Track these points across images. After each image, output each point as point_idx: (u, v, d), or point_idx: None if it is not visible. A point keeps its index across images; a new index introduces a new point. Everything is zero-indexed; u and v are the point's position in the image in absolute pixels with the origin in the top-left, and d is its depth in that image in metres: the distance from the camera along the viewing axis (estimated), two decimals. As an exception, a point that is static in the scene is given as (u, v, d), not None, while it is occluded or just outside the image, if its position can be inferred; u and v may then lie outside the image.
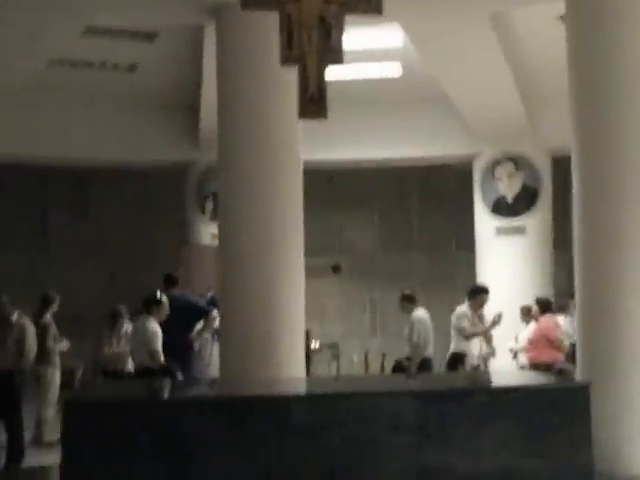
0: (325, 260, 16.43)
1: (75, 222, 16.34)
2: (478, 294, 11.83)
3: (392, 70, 13.90)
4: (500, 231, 14.78)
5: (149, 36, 12.65)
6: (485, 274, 14.65)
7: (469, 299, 11.79)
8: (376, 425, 5.65)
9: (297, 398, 6.24)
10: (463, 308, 11.72)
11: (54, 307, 11.31)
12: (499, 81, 12.68)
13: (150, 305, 9.81)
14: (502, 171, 14.87)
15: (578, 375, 7.54)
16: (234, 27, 10.08)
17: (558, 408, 5.87)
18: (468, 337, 11.41)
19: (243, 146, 9.95)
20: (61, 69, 13.43)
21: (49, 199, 16.41)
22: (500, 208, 14.85)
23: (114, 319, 11.71)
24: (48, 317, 11.18)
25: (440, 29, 11.22)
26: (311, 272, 16.52)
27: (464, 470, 5.80)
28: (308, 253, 16.67)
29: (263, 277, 9.79)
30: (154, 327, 9.66)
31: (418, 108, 14.74)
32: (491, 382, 7.61)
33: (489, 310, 14.16)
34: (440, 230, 16.58)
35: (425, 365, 11.37)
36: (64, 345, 11.31)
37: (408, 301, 11.96)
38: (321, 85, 6.97)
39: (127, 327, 11.42)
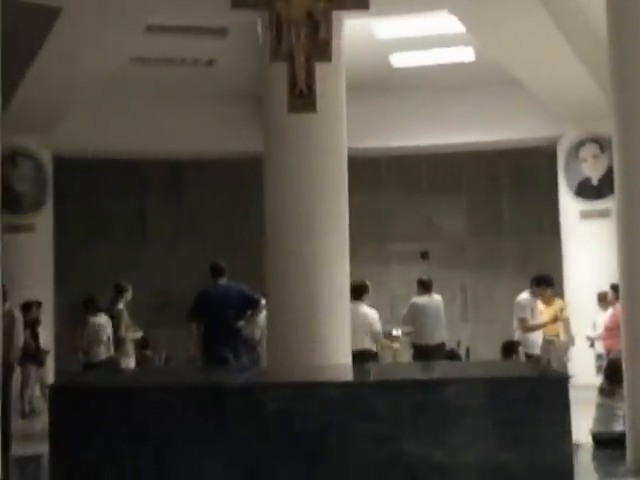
0: (414, 246, 16.56)
1: (170, 209, 17.07)
2: (540, 285, 11.53)
3: (465, 55, 13.91)
4: (584, 214, 14.55)
5: (221, 32, 13.11)
6: (570, 258, 14.47)
7: (533, 287, 11.55)
8: (350, 414, 5.73)
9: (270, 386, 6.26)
10: (526, 296, 11.52)
11: (127, 296, 11.87)
12: (566, 62, 12.47)
13: (362, 291, 10.86)
14: (586, 152, 14.63)
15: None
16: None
17: (536, 400, 5.84)
18: (527, 330, 11.24)
19: (288, 137, 10.11)
20: (144, 66, 14.15)
21: (145, 188, 17.18)
22: (585, 190, 14.62)
23: None
24: (120, 307, 11.72)
25: (492, 16, 11.23)
26: (401, 258, 16.82)
27: (438, 461, 5.81)
28: (397, 239, 16.96)
29: (307, 262, 9.97)
30: (371, 311, 10.83)
31: (498, 91, 14.67)
32: (469, 373, 7.59)
33: (573, 295, 14.05)
34: (529, 214, 16.39)
35: (431, 352, 11.30)
36: (137, 334, 11.86)
37: (422, 286, 12.04)
38: (310, 81, 7.16)
39: None
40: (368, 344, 10.84)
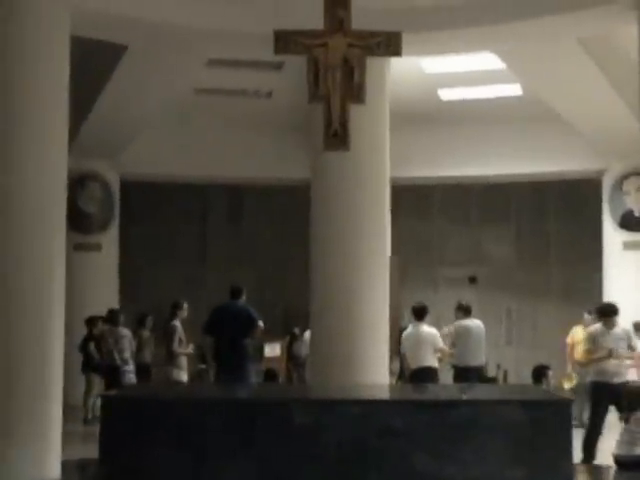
0: (463, 271, 17.11)
1: (230, 232, 17.88)
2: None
3: (513, 90, 14.43)
4: (627, 245, 14.93)
5: (277, 65, 13.85)
6: (611, 288, 14.84)
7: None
8: (367, 430, 6.10)
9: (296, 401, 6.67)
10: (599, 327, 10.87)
11: (182, 313, 12.56)
12: (608, 99, 12.92)
13: (423, 313, 11.67)
14: (630, 185, 15.01)
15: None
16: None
17: (541, 422, 6.10)
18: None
19: (330, 170, 10.72)
20: (207, 97, 14.98)
21: (206, 212, 18.02)
22: (628, 222, 15.01)
23: None
24: (175, 323, 12.41)
25: (533, 57, 11.72)
26: (449, 282, 17.35)
27: (449, 477, 6.10)
28: (447, 264, 17.50)
29: (348, 289, 10.53)
30: (433, 329, 11.67)
31: (546, 125, 15.13)
32: (478, 395, 7.96)
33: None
34: (574, 244, 16.80)
35: (470, 373, 11.83)
36: (189, 349, 12.54)
37: (462, 311, 12.57)
38: (344, 121, 7.78)
39: None
40: (430, 361, 11.41)
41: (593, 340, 10.52)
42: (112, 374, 12.59)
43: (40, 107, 8.79)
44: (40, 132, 8.72)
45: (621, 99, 12.95)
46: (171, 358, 12.18)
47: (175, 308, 12.47)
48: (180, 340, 12.29)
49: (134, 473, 6.23)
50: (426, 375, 11.05)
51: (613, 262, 15.15)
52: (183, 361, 12.37)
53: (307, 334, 11.85)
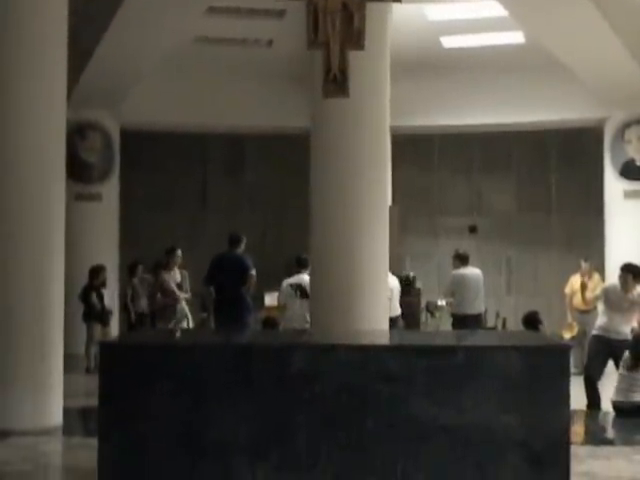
0: (464, 221, 17.12)
1: (230, 181, 17.88)
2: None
3: (515, 38, 14.32)
4: (628, 194, 14.92)
5: (279, 14, 13.73)
6: (612, 237, 14.86)
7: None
8: (365, 375, 6.05)
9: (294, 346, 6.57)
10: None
11: (176, 260, 12.61)
12: (611, 47, 12.79)
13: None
14: (631, 134, 14.97)
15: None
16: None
17: (538, 368, 6.07)
18: None
19: (330, 118, 10.65)
20: (207, 46, 14.87)
21: (207, 161, 18.00)
22: (629, 171, 14.99)
23: None
24: (164, 274, 12.43)
25: (535, 2, 11.59)
26: (449, 232, 17.36)
27: (446, 421, 6.22)
28: (447, 214, 17.50)
29: (347, 235, 10.45)
30: None
31: (548, 74, 15.06)
32: (475, 341, 7.99)
33: (614, 273, 14.37)
34: (575, 193, 16.81)
35: (468, 321, 11.90)
36: (186, 295, 12.55)
37: (459, 259, 12.58)
38: (343, 67, 7.73)
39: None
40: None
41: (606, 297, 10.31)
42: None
43: (39, 56, 8.73)
44: (38, 81, 8.67)
45: (624, 47, 12.88)
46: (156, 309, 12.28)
47: (167, 254, 12.54)
48: (165, 290, 12.33)
49: (133, 419, 6.28)
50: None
51: (614, 211, 15.15)
52: (169, 313, 12.41)
53: (306, 278, 11.77)
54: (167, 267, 12.52)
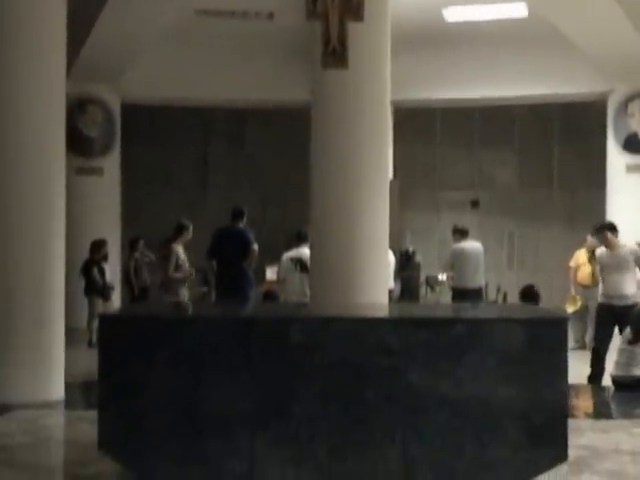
0: (465, 195, 17.10)
1: (231, 155, 17.85)
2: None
3: (518, 10, 14.25)
4: (631, 168, 14.88)
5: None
6: (614, 210, 14.83)
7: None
8: (364, 348, 5.99)
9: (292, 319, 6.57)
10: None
11: (187, 235, 12.39)
12: (615, 20, 12.75)
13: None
14: (634, 107, 14.91)
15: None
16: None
17: (536, 340, 6.00)
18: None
19: (329, 90, 10.59)
20: (208, 19, 14.78)
21: (208, 135, 17.98)
22: (632, 145, 14.94)
23: None
24: (176, 246, 12.24)
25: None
26: (451, 206, 17.36)
27: (445, 394, 6.26)
28: (449, 188, 17.49)
29: (347, 208, 10.46)
30: None
31: (550, 47, 14.98)
32: (473, 313, 8.01)
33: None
34: (578, 167, 16.79)
35: (468, 295, 11.90)
36: (189, 273, 12.39)
37: (459, 233, 12.60)
38: (342, 39, 7.73)
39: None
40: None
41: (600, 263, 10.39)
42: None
43: (37, 30, 8.65)
44: (37, 55, 8.61)
45: (627, 19, 12.81)
46: (166, 283, 12.13)
47: (179, 230, 12.28)
48: (178, 265, 12.18)
49: (134, 391, 6.29)
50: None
51: (617, 185, 15.12)
52: (178, 287, 12.13)
53: (306, 252, 11.75)
54: (178, 241, 12.35)
